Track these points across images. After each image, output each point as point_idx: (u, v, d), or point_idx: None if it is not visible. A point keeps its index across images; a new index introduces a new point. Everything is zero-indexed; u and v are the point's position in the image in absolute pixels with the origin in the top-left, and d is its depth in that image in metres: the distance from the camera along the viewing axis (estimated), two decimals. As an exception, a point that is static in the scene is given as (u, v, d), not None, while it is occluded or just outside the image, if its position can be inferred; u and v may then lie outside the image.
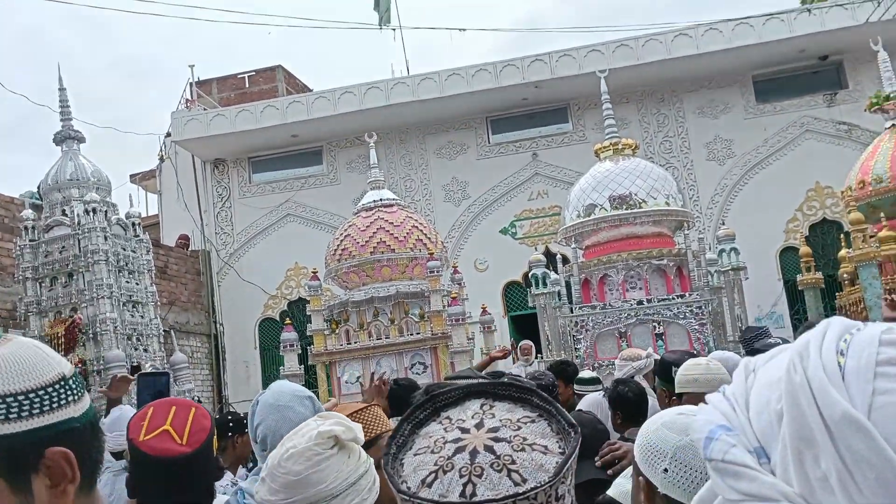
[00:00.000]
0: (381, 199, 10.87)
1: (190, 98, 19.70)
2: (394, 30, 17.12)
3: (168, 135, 19.45)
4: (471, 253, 17.85)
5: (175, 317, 16.79)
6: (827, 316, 9.55)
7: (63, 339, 10.14)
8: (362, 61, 46.40)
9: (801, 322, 16.65)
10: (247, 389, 17.93)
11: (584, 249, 10.52)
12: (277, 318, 19.05)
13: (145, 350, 10.77)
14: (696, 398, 2.65)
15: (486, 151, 19.11)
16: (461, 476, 0.85)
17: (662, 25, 17.27)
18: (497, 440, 0.87)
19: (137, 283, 11.09)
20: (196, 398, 11.35)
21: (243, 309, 19.02)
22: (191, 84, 20.29)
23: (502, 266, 18.28)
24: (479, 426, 0.90)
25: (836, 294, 10.56)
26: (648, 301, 9.63)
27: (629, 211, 9.87)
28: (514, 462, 0.85)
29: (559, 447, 0.88)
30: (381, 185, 11.26)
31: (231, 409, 5.69)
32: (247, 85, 22.93)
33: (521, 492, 0.82)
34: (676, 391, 3.20)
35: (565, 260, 11.32)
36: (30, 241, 10.48)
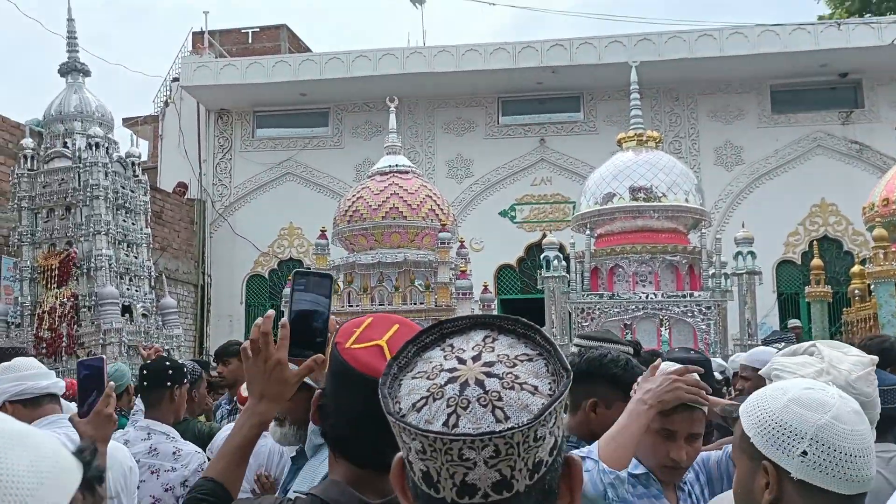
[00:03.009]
0: (397, 165, 10.66)
1: (201, 45, 19.26)
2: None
3: (176, 79, 19.09)
4: (468, 232, 17.59)
5: (166, 262, 16.48)
6: (832, 332, 9.40)
7: (56, 272, 9.91)
8: (375, 28, 45.73)
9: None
10: (228, 344, 17.69)
11: (596, 238, 10.36)
12: (266, 277, 18.82)
13: (136, 290, 10.60)
14: None
15: (494, 131, 18.90)
16: (448, 406, 0.86)
17: (688, 23, 17.08)
18: (489, 375, 0.88)
19: (133, 224, 10.94)
20: (178, 346, 11.15)
21: (232, 263, 18.75)
22: (200, 32, 19.81)
23: (497, 248, 18.16)
24: (475, 358, 0.90)
25: (843, 310, 10.50)
26: (657, 295, 9.52)
27: (649, 203, 9.73)
28: (500, 399, 0.86)
29: (549, 389, 0.88)
30: (398, 151, 11.05)
31: (165, 356, 5.21)
32: (249, 41, 22.50)
33: (497, 430, 0.84)
34: None
35: (561, 249, 11.13)
36: (28, 170, 10.19)
